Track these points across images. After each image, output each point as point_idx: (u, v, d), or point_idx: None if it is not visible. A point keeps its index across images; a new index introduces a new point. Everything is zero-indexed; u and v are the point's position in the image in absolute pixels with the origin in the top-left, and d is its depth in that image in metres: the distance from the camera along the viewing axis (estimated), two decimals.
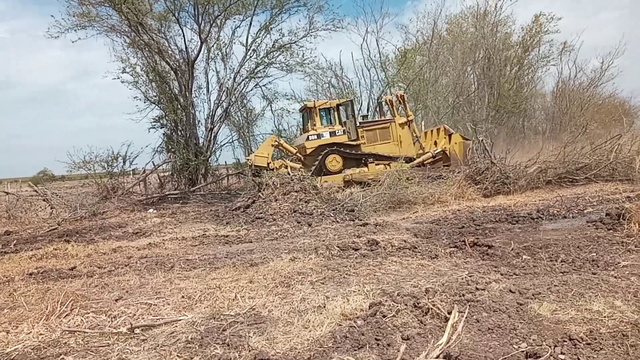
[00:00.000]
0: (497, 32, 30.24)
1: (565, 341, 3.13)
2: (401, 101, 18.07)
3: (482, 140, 15.84)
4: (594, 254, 5.44)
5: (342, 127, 17.19)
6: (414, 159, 17.06)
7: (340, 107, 17.67)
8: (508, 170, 12.91)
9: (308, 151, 16.77)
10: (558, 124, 31.03)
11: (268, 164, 16.21)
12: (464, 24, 31.14)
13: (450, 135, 17.37)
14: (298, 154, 17.38)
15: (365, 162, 16.93)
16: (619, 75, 36.77)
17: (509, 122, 29.03)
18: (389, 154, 16.96)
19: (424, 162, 16.96)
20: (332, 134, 16.89)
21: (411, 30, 32.64)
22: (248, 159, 16.98)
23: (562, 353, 2.98)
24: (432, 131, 18.59)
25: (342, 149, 16.83)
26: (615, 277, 4.43)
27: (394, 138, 17.70)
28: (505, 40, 30.97)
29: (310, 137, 16.82)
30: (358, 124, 17.33)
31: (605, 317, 3.49)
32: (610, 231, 6.54)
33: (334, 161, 16.69)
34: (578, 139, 16.96)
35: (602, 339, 3.13)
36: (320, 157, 16.54)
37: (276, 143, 17.31)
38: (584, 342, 3.09)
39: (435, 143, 17.92)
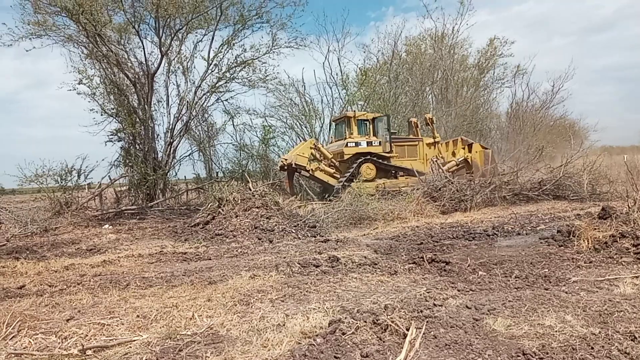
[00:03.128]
0: (455, 54, 31.27)
1: (519, 356, 3.21)
2: (429, 123, 19.49)
3: (436, 160, 16.60)
4: (546, 270, 5.63)
5: (377, 138, 18.17)
6: None
7: (376, 120, 18.67)
8: (465, 188, 13.27)
9: (346, 157, 17.64)
10: (512, 143, 32.16)
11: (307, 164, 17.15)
12: (423, 46, 32.04)
13: (470, 145, 18.91)
14: (333, 159, 18.09)
15: (395, 174, 18.02)
16: (568, 98, 38.65)
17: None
18: (417, 170, 17.87)
19: (449, 170, 18.10)
20: (369, 143, 17.92)
21: (372, 50, 33.25)
22: (284, 159, 17.45)
23: None
24: (447, 143, 19.87)
25: (376, 159, 17.78)
26: (566, 293, 4.59)
27: (420, 156, 19.07)
28: (462, 62, 32.07)
29: (349, 143, 17.75)
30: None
31: (556, 331, 3.61)
32: (561, 248, 6.80)
33: (368, 169, 17.60)
34: (533, 160, 17.75)
35: (554, 353, 3.22)
36: (356, 164, 17.44)
37: (314, 146, 17.93)
38: (537, 357, 3.18)
39: (453, 154, 19.21)
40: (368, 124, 18.54)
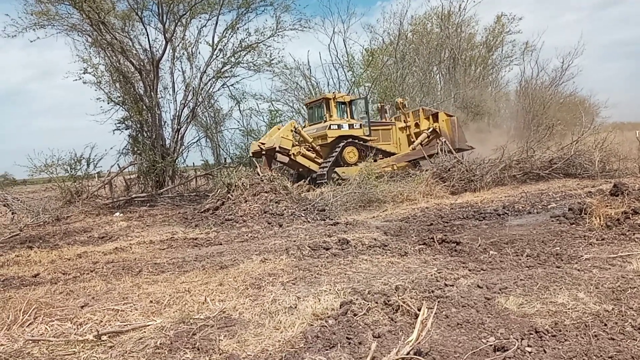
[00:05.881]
0: (462, 32, 30.80)
1: (532, 334, 3.20)
2: (400, 107, 19.24)
3: (444, 141, 16.42)
4: (558, 248, 5.59)
5: (357, 121, 17.87)
6: None
7: (352, 103, 18.36)
8: (474, 168, 13.18)
9: (329, 140, 17.06)
10: (522, 122, 31.79)
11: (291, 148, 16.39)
12: (429, 25, 31.61)
13: (434, 115, 18.74)
14: (313, 143, 17.41)
15: (375, 157, 17.36)
16: (578, 74, 37.90)
17: (475, 120, 29.60)
18: (392, 152, 18.06)
19: (422, 143, 18.31)
20: (351, 126, 17.50)
21: (378, 31, 32.87)
22: (260, 144, 16.33)
23: (528, 345, 3.06)
24: (407, 115, 19.55)
25: (358, 142, 17.37)
26: (578, 270, 4.56)
27: (393, 140, 18.85)
28: (470, 41, 31.60)
29: (331, 126, 17.18)
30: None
31: (569, 309, 3.60)
32: (573, 225, 6.74)
33: (351, 153, 17.16)
34: (544, 139, 17.59)
35: (567, 331, 3.21)
36: (339, 147, 16.90)
37: (294, 129, 17.02)
38: (550, 334, 3.17)
39: (417, 125, 19.08)
40: (345, 106, 18.09)
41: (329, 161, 16.57)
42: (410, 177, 14.00)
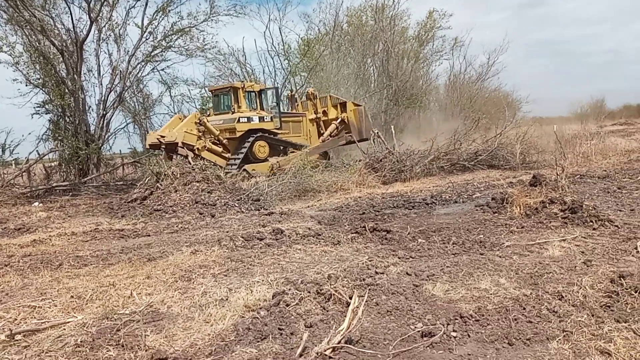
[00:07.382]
0: (395, 25, 31.36)
1: (457, 319, 3.34)
2: (311, 98, 18.50)
3: (377, 132, 16.61)
4: (482, 236, 5.87)
5: (268, 113, 16.72)
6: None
7: (262, 93, 17.19)
8: (405, 159, 13.56)
9: (238, 134, 15.69)
10: (450, 114, 33.05)
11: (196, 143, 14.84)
12: (364, 17, 31.95)
13: (342, 104, 18.32)
14: (220, 136, 15.74)
15: (285, 150, 16.43)
16: (503, 70, 39.94)
17: (406, 113, 30.40)
18: (302, 144, 17.03)
19: (331, 134, 17.95)
20: (261, 119, 16.22)
21: (314, 20, 32.82)
22: (159, 137, 14.70)
23: (454, 330, 3.18)
24: (315, 103, 18.85)
25: (268, 135, 16.26)
26: (500, 257, 4.81)
27: (304, 132, 18.11)
28: (402, 34, 32.27)
29: (240, 119, 15.74)
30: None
31: (491, 294, 3.78)
32: (496, 214, 7.11)
33: (262, 148, 15.94)
34: (470, 131, 18.18)
35: (489, 315, 3.38)
36: (248, 142, 15.64)
37: (199, 121, 15.17)
38: (473, 319, 3.31)
39: (324, 112, 18.57)
40: (255, 96, 16.82)
41: (238, 157, 15.41)
42: (345, 167, 14.12)
